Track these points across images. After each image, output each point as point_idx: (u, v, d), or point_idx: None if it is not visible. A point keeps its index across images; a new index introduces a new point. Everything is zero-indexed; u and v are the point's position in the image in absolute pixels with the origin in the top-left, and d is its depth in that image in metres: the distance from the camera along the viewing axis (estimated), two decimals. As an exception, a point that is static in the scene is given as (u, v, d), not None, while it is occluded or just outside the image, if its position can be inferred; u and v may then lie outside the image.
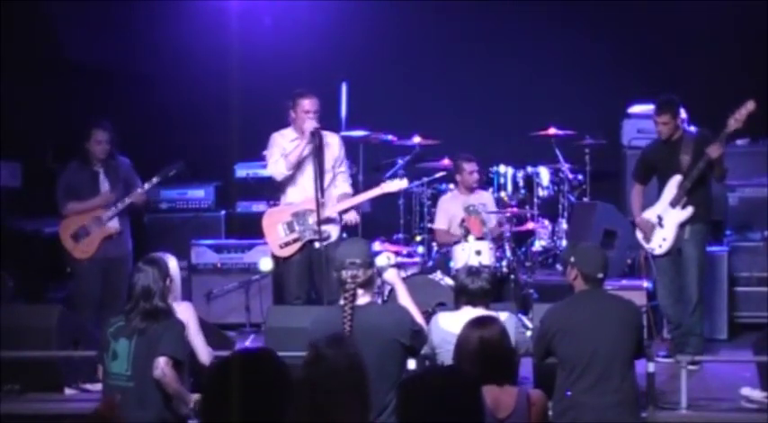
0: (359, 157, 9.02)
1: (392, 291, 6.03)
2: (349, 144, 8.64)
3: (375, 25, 10.40)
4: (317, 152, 7.42)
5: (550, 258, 9.41)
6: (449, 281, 7.84)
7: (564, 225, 9.52)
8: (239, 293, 9.02)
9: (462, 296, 5.88)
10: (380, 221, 9.55)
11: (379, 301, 7.20)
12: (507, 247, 8.77)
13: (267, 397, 3.03)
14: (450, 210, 8.88)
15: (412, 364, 5.50)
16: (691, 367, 6.57)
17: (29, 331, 6.81)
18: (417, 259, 8.94)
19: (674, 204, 7.59)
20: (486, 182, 9.49)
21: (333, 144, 7.58)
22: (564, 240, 9.35)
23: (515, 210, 9.28)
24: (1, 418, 6.36)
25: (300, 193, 7.48)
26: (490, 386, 4.47)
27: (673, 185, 7.62)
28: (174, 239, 9.49)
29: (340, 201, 7.55)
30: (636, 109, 9.74)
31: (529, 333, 6.38)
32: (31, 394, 6.74)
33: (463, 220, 8.49)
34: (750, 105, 7.26)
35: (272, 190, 7.96)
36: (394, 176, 9.23)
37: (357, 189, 8.20)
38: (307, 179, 7.37)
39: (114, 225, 7.91)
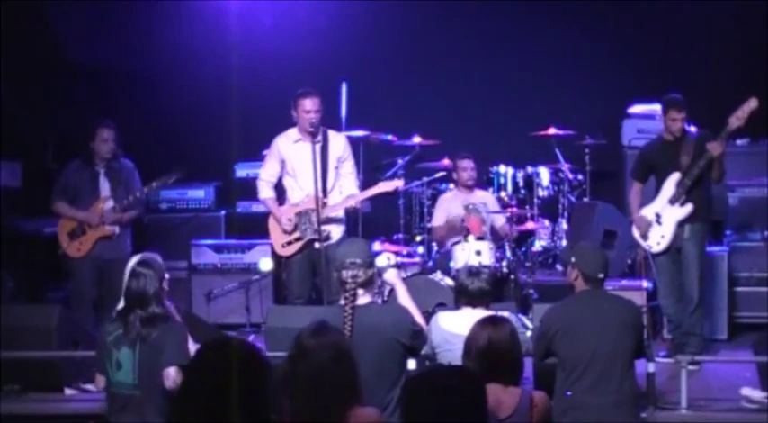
0: (359, 157, 9.00)
1: (392, 291, 6.03)
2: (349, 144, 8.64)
3: (375, 25, 10.40)
4: (322, 152, 7.44)
5: (550, 258, 9.42)
6: (449, 281, 7.84)
7: (564, 225, 9.52)
8: (239, 293, 9.02)
9: (462, 296, 5.88)
10: (380, 221, 9.55)
11: (379, 301, 7.19)
12: (507, 247, 8.78)
13: (250, 388, 2.99)
14: (449, 208, 8.88)
15: (412, 363, 5.50)
16: (691, 367, 6.57)
17: (29, 331, 6.80)
18: (417, 259, 8.94)
19: (672, 202, 7.59)
20: (486, 182, 9.50)
21: (337, 144, 7.59)
22: (564, 240, 9.35)
23: (515, 210, 9.29)
24: (1, 418, 6.35)
25: (303, 193, 7.48)
26: (494, 386, 4.47)
27: (671, 183, 7.61)
28: (174, 239, 9.50)
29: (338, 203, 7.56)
30: (636, 109, 9.73)
31: (529, 333, 6.37)
32: (31, 394, 6.73)
33: (463, 220, 8.49)
34: (753, 103, 7.25)
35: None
36: (394, 176, 9.26)
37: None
38: (309, 179, 7.38)
39: (112, 227, 7.90)
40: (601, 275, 5.55)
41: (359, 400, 3.73)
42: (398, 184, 7.76)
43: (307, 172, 7.39)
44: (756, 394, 6.42)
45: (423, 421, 3.17)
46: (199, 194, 9.89)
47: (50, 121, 9.96)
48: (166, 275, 5.63)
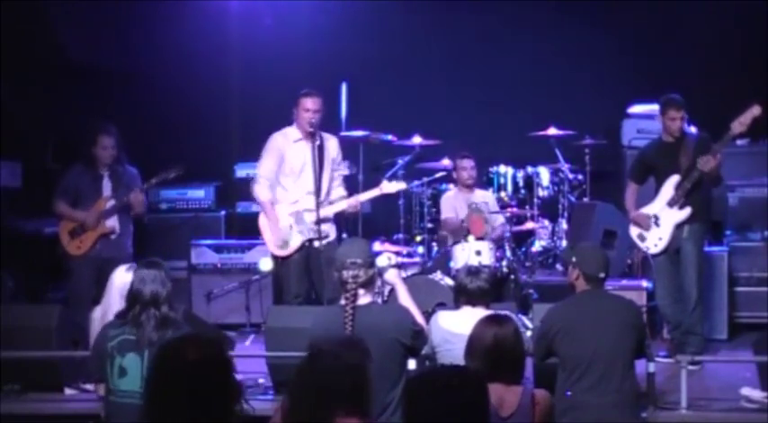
0: (359, 157, 9.01)
1: (392, 291, 6.03)
2: (349, 144, 8.65)
3: (375, 25, 10.40)
4: (318, 153, 7.44)
5: (550, 258, 9.42)
6: (449, 281, 7.84)
7: (564, 225, 9.52)
8: (239, 293, 9.02)
9: (461, 295, 5.89)
10: (380, 221, 9.56)
11: (380, 301, 7.20)
12: (507, 247, 8.78)
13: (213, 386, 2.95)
14: (453, 204, 8.88)
15: (412, 364, 5.50)
16: (691, 367, 6.57)
17: (29, 331, 6.80)
18: (417, 259, 8.93)
19: (671, 204, 7.58)
20: (486, 182, 9.50)
21: (333, 146, 7.60)
22: (564, 240, 9.36)
23: (515, 210, 9.29)
24: (1, 418, 6.35)
25: (300, 193, 7.48)
26: (496, 384, 4.47)
27: (670, 185, 7.61)
28: (174, 239, 9.50)
29: (335, 202, 7.57)
30: (636, 109, 9.74)
31: (529, 333, 6.38)
32: (31, 394, 6.73)
33: (462, 220, 8.50)
34: (755, 110, 7.24)
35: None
36: (394, 176, 9.26)
37: (356, 189, 8.20)
38: (305, 180, 7.38)
39: (111, 224, 7.90)
40: (602, 275, 5.55)
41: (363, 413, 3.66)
42: (401, 186, 7.78)
43: (306, 172, 7.39)
44: (756, 394, 6.42)
45: (424, 421, 3.17)
46: (199, 194, 9.89)
47: (50, 121, 9.96)
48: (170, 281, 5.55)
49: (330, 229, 7.51)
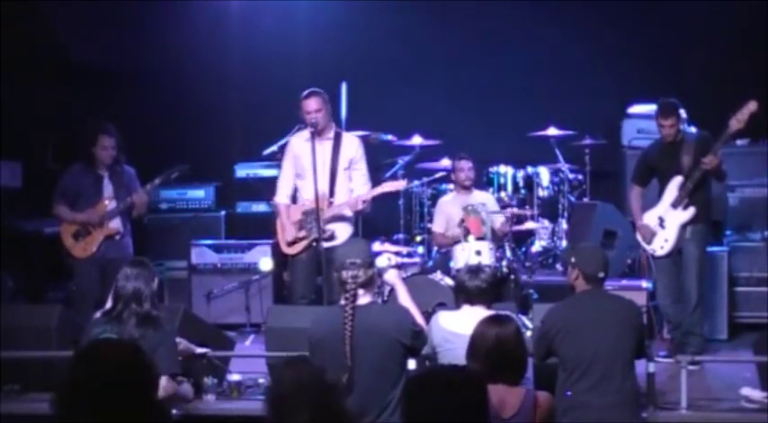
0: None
1: (392, 291, 6.03)
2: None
3: (375, 25, 10.40)
4: (333, 153, 7.45)
5: (550, 258, 9.42)
6: (449, 281, 7.84)
7: (564, 225, 9.52)
8: (239, 293, 9.01)
9: (461, 295, 5.89)
10: (380, 221, 9.55)
11: (379, 301, 7.20)
12: (507, 247, 8.78)
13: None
14: (448, 211, 8.87)
15: (412, 364, 5.50)
16: (691, 367, 6.57)
17: (29, 331, 6.80)
18: (417, 259, 8.93)
19: (675, 205, 7.59)
20: (486, 182, 9.50)
21: (350, 146, 7.60)
22: (564, 240, 9.36)
23: (515, 210, 9.29)
24: (1, 418, 6.35)
25: (309, 192, 7.49)
26: (498, 385, 4.47)
27: (673, 187, 7.62)
28: (174, 239, 9.51)
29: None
30: (636, 109, 9.74)
31: (529, 333, 6.38)
32: (31, 394, 6.73)
33: (462, 221, 8.49)
34: (752, 105, 7.25)
35: (272, 190, 7.95)
36: (394, 176, 9.27)
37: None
38: (318, 178, 7.37)
39: (116, 225, 7.91)
40: (601, 275, 5.55)
41: None
42: (402, 184, 7.78)
43: (311, 171, 7.39)
44: (756, 394, 6.42)
45: (423, 422, 3.17)
46: (199, 194, 9.90)
47: (50, 121, 9.96)
48: (156, 280, 5.55)
49: (343, 229, 7.48)
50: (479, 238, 8.24)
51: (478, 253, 8.06)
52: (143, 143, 8.75)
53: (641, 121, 9.60)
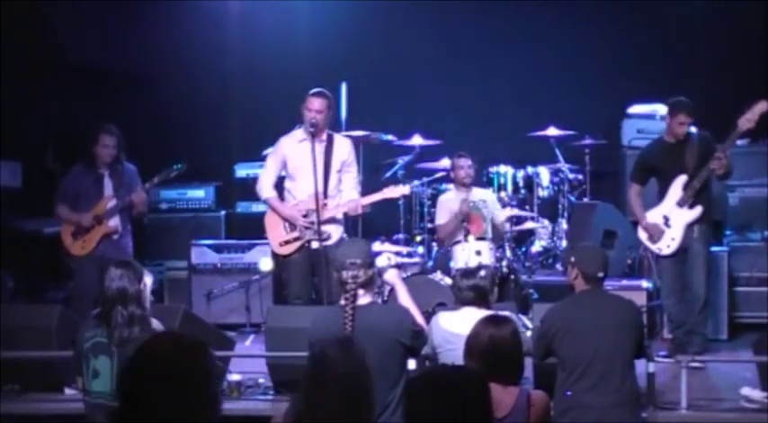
0: (359, 157, 9.01)
1: (392, 291, 6.03)
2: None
3: (375, 25, 10.40)
4: (326, 154, 7.45)
5: (550, 258, 9.42)
6: (449, 281, 7.83)
7: (564, 225, 9.52)
8: (239, 293, 9.01)
9: (458, 295, 5.89)
10: (380, 221, 9.55)
11: (379, 301, 7.20)
12: (507, 247, 8.78)
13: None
14: (450, 207, 8.87)
15: (412, 364, 5.50)
16: (695, 365, 6.58)
17: (29, 331, 6.80)
18: (417, 259, 8.93)
19: (680, 204, 7.57)
20: (486, 182, 9.50)
21: (342, 148, 7.59)
22: (564, 240, 9.36)
23: (515, 210, 9.29)
24: (1, 418, 6.35)
25: (303, 193, 7.49)
26: (493, 385, 4.46)
27: (678, 186, 7.59)
28: (174, 239, 9.51)
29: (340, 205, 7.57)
30: (636, 109, 9.74)
31: (529, 333, 6.38)
32: (31, 394, 6.73)
33: (463, 220, 8.50)
34: (763, 105, 7.24)
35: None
36: (394, 176, 9.28)
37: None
38: (310, 179, 7.37)
39: (114, 223, 7.91)
40: (600, 274, 5.55)
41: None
42: (404, 190, 7.74)
43: (307, 172, 7.38)
44: (756, 394, 6.42)
45: (425, 421, 3.16)
46: (199, 194, 9.90)
47: (50, 121, 9.96)
48: (147, 280, 5.52)
49: (335, 231, 7.48)
50: (479, 238, 8.24)
51: (478, 253, 8.06)
52: (143, 143, 8.74)
53: (641, 121, 9.61)
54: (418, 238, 9.39)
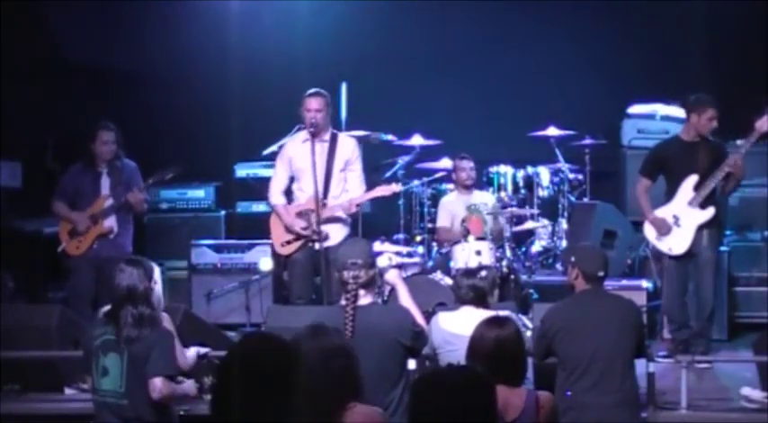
0: (359, 157, 9.02)
1: (392, 291, 6.03)
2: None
3: (375, 25, 10.40)
4: (329, 154, 7.45)
5: (550, 258, 9.42)
6: (449, 281, 7.83)
7: (564, 225, 9.52)
8: (239, 293, 9.01)
9: (458, 295, 5.89)
10: (381, 221, 9.55)
11: (380, 301, 7.20)
12: (507, 247, 8.78)
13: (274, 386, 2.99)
14: (452, 209, 8.88)
15: (412, 364, 5.50)
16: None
17: (29, 331, 6.80)
18: (417, 259, 8.92)
19: (692, 205, 7.52)
20: (486, 182, 9.50)
21: (346, 147, 7.59)
22: (564, 240, 9.36)
23: (516, 210, 9.29)
24: (1, 418, 6.35)
25: (306, 193, 7.49)
26: (500, 387, 4.46)
27: (689, 186, 7.54)
28: (174, 239, 9.50)
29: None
30: (636, 109, 9.74)
31: (529, 333, 6.38)
32: (31, 394, 6.73)
33: (464, 220, 8.50)
34: None
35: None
36: (394, 176, 9.28)
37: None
38: (311, 180, 7.37)
39: (110, 223, 7.91)
40: (600, 274, 5.55)
41: (358, 399, 3.73)
42: (396, 188, 7.75)
43: (309, 172, 7.39)
44: (756, 394, 6.42)
45: (430, 422, 3.16)
46: (199, 194, 9.89)
47: (50, 121, 9.96)
48: (156, 278, 5.52)
49: (338, 230, 7.48)
50: (480, 238, 8.24)
51: (478, 253, 8.05)
52: (143, 143, 8.75)
53: (641, 121, 9.61)
54: (418, 239, 9.39)
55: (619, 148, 9.77)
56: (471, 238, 8.22)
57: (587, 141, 9.70)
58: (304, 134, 7.54)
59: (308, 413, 3.56)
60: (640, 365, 5.71)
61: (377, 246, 8.56)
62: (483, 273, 6.02)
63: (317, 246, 7.35)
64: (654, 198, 7.78)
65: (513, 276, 8.51)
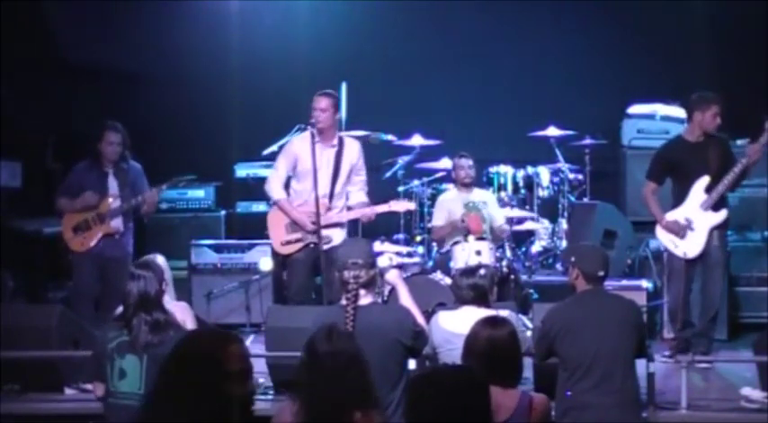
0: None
1: (392, 291, 6.03)
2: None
3: (375, 26, 10.40)
4: (336, 157, 7.46)
5: (550, 258, 9.42)
6: (449, 281, 7.83)
7: (564, 225, 9.52)
8: (239, 293, 9.01)
9: (458, 295, 5.89)
10: (381, 222, 9.52)
11: (380, 301, 7.20)
12: (507, 247, 8.78)
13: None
14: (449, 207, 8.87)
15: (412, 364, 5.50)
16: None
17: (29, 331, 6.79)
18: (417, 259, 8.93)
19: (704, 207, 7.46)
20: (486, 182, 9.50)
21: (352, 151, 7.60)
22: (564, 240, 9.36)
23: (515, 210, 9.29)
24: (1, 418, 6.35)
25: (307, 195, 7.48)
26: (493, 387, 4.45)
27: (700, 188, 7.47)
28: (174, 239, 9.50)
29: (354, 208, 7.58)
30: (636, 109, 9.74)
31: (529, 333, 6.38)
32: (31, 394, 6.72)
33: (463, 220, 8.50)
34: None
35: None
36: (394, 176, 9.29)
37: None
38: (319, 183, 7.36)
39: (116, 224, 7.90)
40: (601, 273, 5.54)
41: (373, 405, 3.70)
42: (410, 206, 7.87)
43: (313, 174, 7.38)
44: (756, 394, 6.42)
45: (426, 421, 3.16)
46: (199, 194, 9.89)
47: (50, 121, 9.96)
48: (167, 276, 5.50)
49: (338, 234, 7.48)
50: (479, 238, 8.24)
51: (478, 253, 8.05)
52: (143, 143, 8.74)
53: (641, 121, 9.61)
54: (418, 238, 9.39)
55: (619, 148, 9.77)
56: (471, 238, 8.22)
57: (587, 141, 9.70)
58: (310, 133, 7.54)
59: (322, 415, 3.55)
60: (640, 365, 5.71)
61: (377, 246, 8.57)
62: (482, 271, 6.03)
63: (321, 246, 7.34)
64: (659, 199, 7.74)
65: (512, 276, 8.51)
